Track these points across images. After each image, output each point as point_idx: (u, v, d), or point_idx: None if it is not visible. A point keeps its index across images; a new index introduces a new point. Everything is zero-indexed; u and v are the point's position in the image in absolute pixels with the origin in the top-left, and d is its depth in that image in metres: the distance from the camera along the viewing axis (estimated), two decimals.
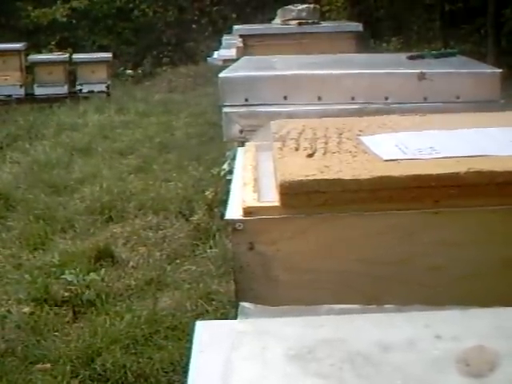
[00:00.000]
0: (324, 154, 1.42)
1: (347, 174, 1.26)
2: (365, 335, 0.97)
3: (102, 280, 4.39)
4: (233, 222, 1.27)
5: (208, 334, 1.00)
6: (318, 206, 1.25)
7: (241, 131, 2.06)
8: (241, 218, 1.27)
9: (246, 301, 1.22)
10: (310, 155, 1.40)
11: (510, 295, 1.21)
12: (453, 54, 2.53)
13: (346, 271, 1.26)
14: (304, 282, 1.26)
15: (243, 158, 1.68)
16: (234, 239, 1.27)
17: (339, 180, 1.25)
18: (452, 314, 1.04)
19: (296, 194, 1.25)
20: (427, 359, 0.91)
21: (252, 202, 1.31)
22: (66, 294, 4.17)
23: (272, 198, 1.31)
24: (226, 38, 10.69)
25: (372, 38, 13.07)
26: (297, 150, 1.46)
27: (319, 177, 1.25)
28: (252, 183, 1.42)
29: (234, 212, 1.31)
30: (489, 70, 2.17)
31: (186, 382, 0.92)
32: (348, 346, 0.94)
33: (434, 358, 0.91)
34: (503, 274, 1.25)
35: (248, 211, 1.27)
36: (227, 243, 4.72)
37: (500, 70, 2.09)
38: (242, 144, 1.90)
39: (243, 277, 1.27)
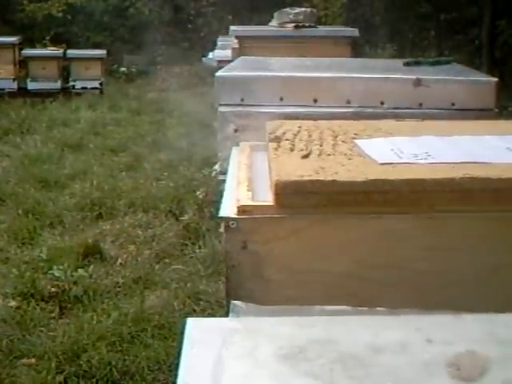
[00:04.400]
0: (319, 155, 1.42)
1: (343, 176, 1.26)
2: (356, 337, 0.97)
3: (90, 277, 4.38)
4: (226, 220, 1.27)
5: (199, 332, 1.00)
6: (313, 207, 1.25)
7: (235, 131, 2.06)
8: (234, 216, 1.27)
9: (237, 299, 1.22)
10: (306, 156, 1.40)
11: (502, 301, 1.21)
12: (449, 62, 2.53)
13: (338, 273, 1.26)
14: (296, 282, 1.26)
15: (238, 158, 1.68)
16: (227, 237, 1.27)
17: (334, 181, 1.25)
18: (444, 318, 1.04)
19: (291, 194, 1.24)
20: (418, 362, 0.91)
21: (246, 200, 1.31)
22: (53, 289, 4.16)
23: (266, 198, 1.31)
24: (221, 39, 10.69)
25: (367, 44, 13.10)
26: (292, 150, 1.46)
27: (314, 178, 1.25)
28: (246, 182, 1.42)
29: (227, 210, 1.30)
30: (485, 79, 2.17)
31: (173, 379, 0.91)
32: (339, 347, 0.94)
33: (425, 362, 0.91)
34: (496, 280, 1.25)
35: (242, 210, 1.27)
36: (216, 244, 4.72)
37: (496, 79, 2.10)
38: (237, 144, 1.90)
39: (235, 275, 1.27)
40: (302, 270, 1.26)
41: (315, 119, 1.80)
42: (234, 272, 1.27)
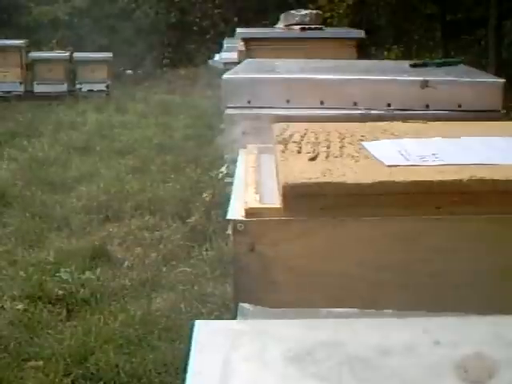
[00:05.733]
0: (326, 157, 1.42)
1: (350, 178, 1.26)
2: (364, 339, 0.97)
3: (97, 279, 4.39)
4: (234, 222, 1.27)
5: (207, 334, 1.00)
6: (320, 210, 1.25)
7: (242, 133, 2.06)
8: (242, 218, 1.27)
9: (245, 302, 1.22)
10: (313, 158, 1.40)
11: (509, 303, 1.21)
12: (456, 63, 2.53)
13: (345, 275, 1.26)
14: (304, 284, 1.26)
15: (245, 160, 1.68)
16: (234, 240, 1.27)
17: (342, 184, 1.25)
18: (451, 320, 1.04)
19: (298, 197, 1.24)
20: (425, 364, 0.91)
21: (254, 203, 1.31)
22: (61, 291, 4.17)
23: (274, 200, 1.31)
24: (227, 41, 10.72)
25: (373, 45, 13.09)
26: (299, 153, 1.46)
27: (322, 180, 1.25)
28: (254, 185, 1.42)
29: (235, 213, 1.30)
30: (491, 80, 2.17)
31: (181, 382, 0.92)
32: (347, 349, 0.94)
33: (433, 364, 0.91)
34: (503, 282, 1.25)
35: (250, 212, 1.27)
36: (223, 246, 4.73)
37: (503, 80, 2.10)
38: (244, 146, 1.90)
39: (243, 278, 1.27)
40: (309, 273, 1.26)
41: (322, 121, 1.80)
42: (241, 274, 1.27)
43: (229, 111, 2.11)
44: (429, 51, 13.38)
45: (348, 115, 2.01)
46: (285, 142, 1.54)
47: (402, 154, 1.41)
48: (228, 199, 1.43)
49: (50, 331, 3.75)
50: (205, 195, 5.62)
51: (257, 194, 1.36)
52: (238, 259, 1.27)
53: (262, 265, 1.26)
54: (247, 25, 10.05)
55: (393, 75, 2.18)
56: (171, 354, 3.46)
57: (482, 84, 2.12)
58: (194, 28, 16.40)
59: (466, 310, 1.11)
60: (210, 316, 3.84)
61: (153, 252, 4.90)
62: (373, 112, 2.05)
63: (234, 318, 1.22)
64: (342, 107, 2.07)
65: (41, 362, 3.46)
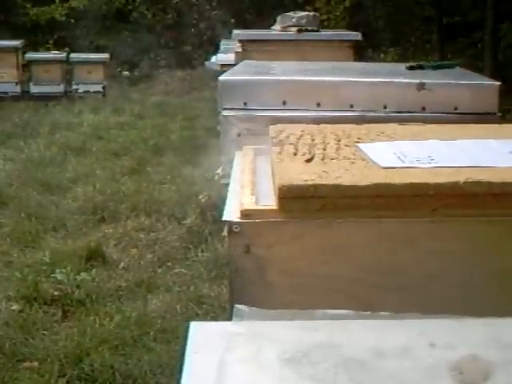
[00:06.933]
0: (322, 159, 1.42)
1: (346, 180, 1.26)
2: (360, 341, 0.97)
3: (93, 280, 4.38)
4: (230, 223, 1.27)
5: (202, 335, 0.99)
6: (316, 211, 1.25)
7: (239, 135, 2.06)
8: (238, 220, 1.27)
9: (240, 303, 1.22)
10: (309, 160, 1.40)
11: (504, 305, 1.21)
12: (452, 66, 2.54)
13: (341, 277, 1.26)
14: (299, 286, 1.26)
15: (241, 162, 1.68)
16: (230, 241, 1.27)
17: (338, 186, 1.25)
18: (446, 322, 1.04)
19: (294, 199, 1.25)
20: (421, 367, 0.91)
21: (250, 204, 1.31)
22: (56, 292, 4.16)
23: (270, 202, 1.31)
24: (223, 43, 10.71)
25: (370, 48, 13.11)
26: (295, 154, 1.47)
27: (318, 182, 1.25)
28: (250, 186, 1.42)
29: (231, 214, 1.30)
30: (487, 82, 2.18)
31: (176, 383, 0.91)
32: (343, 350, 0.94)
33: (428, 366, 0.91)
34: (499, 285, 1.25)
35: (245, 214, 1.27)
36: (219, 247, 4.72)
37: (498, 83, 2.11)
38: (240, 148, 1.90)
39: (238, 279, 1.27)
40: (305, 274, 1.26)
41: (318, 123, 1.81)
42: (237, 276, 1.27)
43: (225, 113, 2.11)
44: (425, 54, 13.39)
45: (344, 117, 2.01)
46: (281, 144, 1.54)
47: (398, 156, 1.42)
48: (224, 201, 1.43)
49: (45, 332, 3.74)
50: (201, 196, 5.61)
51: (253, 195, 1.36)
52: (234, 261, 1.27)
53: (257, 266, 1.26)
54: (244, 26, 10.05)
55: (389, 77, 2.19)
56: (167, 355, 3.45)
57: (478, 87, 2.13)
58: (191, 29, 16.40)
59: (462, 312, 1.11)
60: (205, 317, 3.84)
61: (148, 253, 4.89)
62: (369, 114, 2.06)
63: (230, 319, 1.22)
64: (339, 109, 2.07)
65: (36, 363, 3.45)
